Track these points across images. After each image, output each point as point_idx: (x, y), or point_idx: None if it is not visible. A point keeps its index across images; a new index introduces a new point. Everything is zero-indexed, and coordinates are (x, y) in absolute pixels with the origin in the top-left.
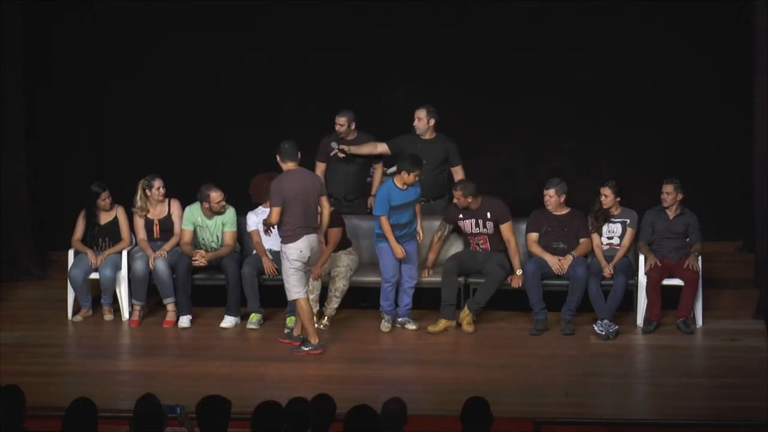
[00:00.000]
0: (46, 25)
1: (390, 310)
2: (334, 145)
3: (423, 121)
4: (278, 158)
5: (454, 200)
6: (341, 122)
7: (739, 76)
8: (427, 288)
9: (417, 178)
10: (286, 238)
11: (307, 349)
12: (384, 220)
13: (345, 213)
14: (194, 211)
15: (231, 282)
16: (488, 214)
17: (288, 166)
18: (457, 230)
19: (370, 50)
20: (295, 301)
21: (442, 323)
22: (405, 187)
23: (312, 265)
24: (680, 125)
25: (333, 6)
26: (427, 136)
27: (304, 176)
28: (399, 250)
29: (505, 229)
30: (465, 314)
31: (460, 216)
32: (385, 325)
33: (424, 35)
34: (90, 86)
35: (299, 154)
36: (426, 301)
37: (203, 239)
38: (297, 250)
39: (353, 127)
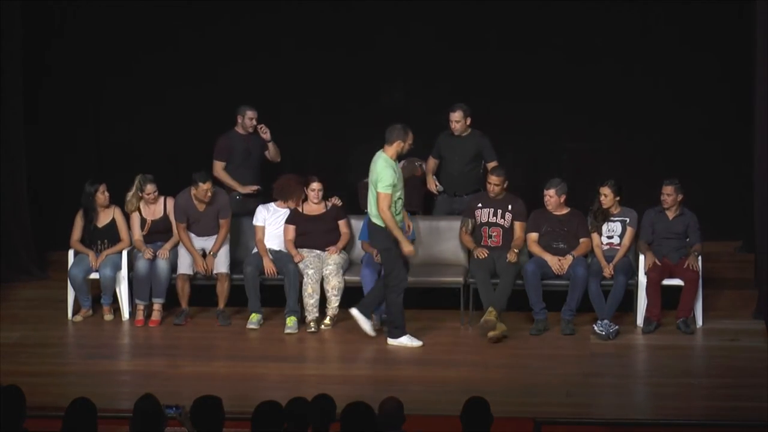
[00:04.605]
0: (44, 28)
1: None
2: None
3: (461, 123)
4: None
5: (491, 187)
6: (251, 115)
7: (740, 76)
8: (426, 288)
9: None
10: None
11: None
12: (366, 245)
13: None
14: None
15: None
16: (510, 207)
17: None
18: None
19: (370, 50)
20: None
21: (499, 327)
22: None
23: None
24: (680, 125)
25: (333, 6)
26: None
27: None
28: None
29: (519, 228)
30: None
31: (479, 205)
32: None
33: (424, 35)
34: (90, 86)
35: None
36: (428, 302)
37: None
38: None
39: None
